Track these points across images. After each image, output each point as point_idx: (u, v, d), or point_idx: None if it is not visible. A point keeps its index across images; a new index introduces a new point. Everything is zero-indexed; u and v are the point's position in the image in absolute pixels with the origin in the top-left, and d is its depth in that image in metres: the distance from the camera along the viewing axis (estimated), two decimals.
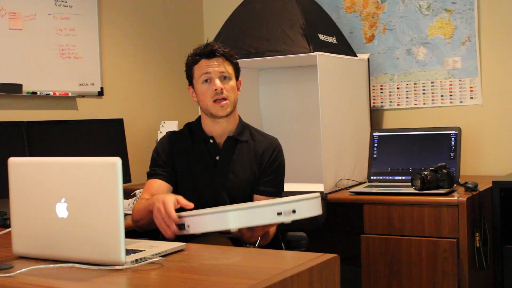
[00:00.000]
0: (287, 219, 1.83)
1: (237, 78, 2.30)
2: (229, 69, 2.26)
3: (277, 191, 2.30)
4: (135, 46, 3.73)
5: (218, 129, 2.29)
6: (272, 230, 2.15)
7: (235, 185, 2.26)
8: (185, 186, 2.30)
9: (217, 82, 2.21)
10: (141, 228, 2.20)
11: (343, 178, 3.16)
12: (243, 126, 2.35)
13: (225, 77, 2.24)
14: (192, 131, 2.33)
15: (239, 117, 2.37)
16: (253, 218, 1.83)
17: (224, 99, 2.22)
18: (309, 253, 1.69)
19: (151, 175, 2.28)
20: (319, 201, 1.94)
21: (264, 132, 2.43)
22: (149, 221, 2.08)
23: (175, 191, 2.25)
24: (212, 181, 2.26)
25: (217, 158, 2.28)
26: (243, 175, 2.27)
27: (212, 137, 2.29)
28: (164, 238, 2.24)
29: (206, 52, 2.25)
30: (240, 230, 1.94)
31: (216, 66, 2.23)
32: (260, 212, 1.83)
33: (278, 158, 2.32)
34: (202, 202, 2.09)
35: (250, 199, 2.26)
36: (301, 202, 1.86)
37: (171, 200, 1.92)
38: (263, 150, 2.30)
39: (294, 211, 1.83)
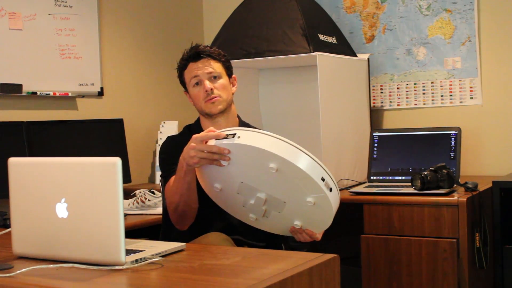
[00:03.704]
0: (323, 188, 1.79)
1: (229, 75, 2.29)
2: (217, 68, 2.24)
3: None
4: (135, 46, 3.74)
5: (218, 128, 2.28)
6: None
7: None
8: None
9: (207, 83, 2.21)
10: (182, 214, 2.10)
11: (343, 178, 3.16)
12: (244, 124, 2.35)
13: (214, 77, 2.23)
14: (193, 132, 2.32)
15: (239, 116, 2.37)
16: (303, 162, 1.76)
17: (214, 97, 2.22)
18: (309, 253, 1.69)
19: (167, 176, 2.21)
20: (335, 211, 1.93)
21: None
22: (188, 192, 2.02)
23: None
24: None
25: None
26: None
27: None
28: (164, 238, 2.24)
29: (192, 55, 2.25)
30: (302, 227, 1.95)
31: (204, 67, 2.23)
32: (315, 167, 1.78)
33: None
34: (208, 202, 2.08)
35: None
36: (338, 190, 1.85)
37: (203, 132, 1.92)
38: None
39: (331, 189, 1.81)
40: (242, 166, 1.88)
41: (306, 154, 1.80)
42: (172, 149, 2.27)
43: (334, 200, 1.85)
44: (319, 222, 1.96)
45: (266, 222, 2.02)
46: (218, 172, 1.92)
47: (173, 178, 2.12)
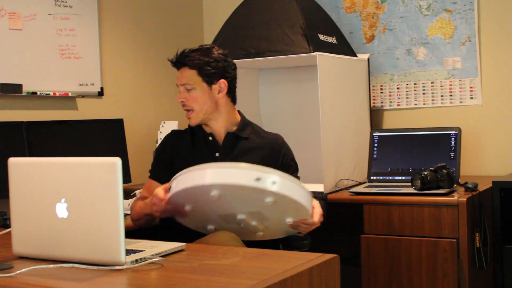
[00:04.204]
0: (265, 186, 1.84)
1: (209, 82, 2.25)
2: (191, 79, 2.24)
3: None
4: (135, 46, 3.73)
5: (211, 130, 2.30)
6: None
7: None
8: None
9: (180, 95, 2.26)
10: (140, 226, 2.28)
11: (343, 178, 3.16)
12: (245, 123, 2.35)
13: (188, 88, 2.24)
14: (193, 129, 2.34)
15: (242, 115, 2.37)
16: (231, 177, 1.85)
17: (188, 110, 2.26)
18: (309, 253, 1.70)
19: (151, 174, 2.34)
20: (305, 193, 1.97)
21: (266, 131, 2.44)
22: (147, 222, 2.21)
23: None
24: None
25: (217, 155, 2.28)
26: None
27: (211, 134, 2.30)
28: (163, 238, 2.25)
29: (172, 64, 2.30)
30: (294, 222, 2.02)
31: (180, 78, 2.26)
32: (239, 173, 1.85)
33: (287, 153, 2.36)
34: None
35: None
36: (283, 178, 1.88)
37: (159, 189, 2.03)
38: (271, 150, 2.31)
39: (274, 182, 1.85)
40: (203, 204, 1.96)
41: (230, 168, 1.87)
42: (166, 149, 2.35)
43: (285, 188, 1.87)
44: (300, 210, 1.99)
45: (270, 232, 2.09)
46: (197, 216, 2.00)
47: (149, 182, 2.28)
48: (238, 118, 2.35)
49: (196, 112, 2.25)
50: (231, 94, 2.32)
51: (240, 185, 1.84)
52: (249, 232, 2.07)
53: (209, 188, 1.86)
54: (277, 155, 2.32)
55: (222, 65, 2.27)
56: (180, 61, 2.26)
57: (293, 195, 1.91)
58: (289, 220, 2.02)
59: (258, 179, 1.83)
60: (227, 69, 2.29)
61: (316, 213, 2.09)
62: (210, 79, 2.25)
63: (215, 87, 2.26)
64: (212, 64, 2.25)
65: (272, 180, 1.85)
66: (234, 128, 2.32)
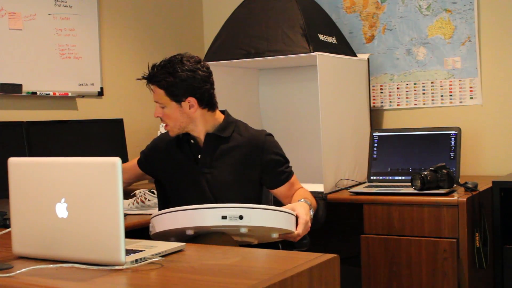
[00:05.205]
0: (233, 223, 1.91)
1: (178, 101, 2.22)
2: (160, 98, 2.23)
3: (287, 176, 2.33)
4: (135, 46, 3.73)
5: (192, 134, 2.31)
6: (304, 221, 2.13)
7: (218, 181, 2.26)
8: (172, 187, 2.33)
9: (155, 111, 2.28)
10: None
11: (343, 178, 3.16)
12: (228, 123, 2.33)
13: (161, 106, 2.26)
14: (179, 135, 2.35)
15: (226, 115, 2.34)
16: (198, 220, 1.92)
17: (165, 124, 2.29)
18: (309, 253, 1.69)
19: (140, 158, 2.51)
20: (280, 214, 2.02)
21: (255, 128, 2.41)
22: None
23: (164, 192, 2.43)
24: (195, 180, 2.27)
25: (199, 156, 2.28)
26: (227, 171, 2.27)
27: (193, 137, 2.30)
28: (157, 237, 2.26)
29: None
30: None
31: (154, 95, 2.27)
32: (204, 214, 1.92)
33: (271, 149, 2.32)
34: (188, 202, 2.08)
35: (240, 195, 2.24)
36: (251, 210, 1.94)
37: None
38: (253, 148, 2.29)
39: (241, 217, 1.91)
40: (184, 233, 2.01)
41: (197, 209, 1.93)
42: (151, 150, 2.45)
43: (254, 219, 1.94)
44: (280, 230, 2.05)
45: (262, 240, 2.16)
46: (173, 230, 2.02)
47: (135, 162, 2.48)
48: (220, 119, 2.32)
49: (171, 126, 2.28)
50: (205, 105, 2.27)
51: (209, 226, 1.93)
52: (242, 242, 2.13)
53: (183, 229, 1.95)
54: (260, 151, 2.28)
55: (188, 83, 2.21)
56: (149, 80, 2.26)
57: (265, 223, 1.97)
58: (275, 235, 2.08)
59: (224, 217, 1.90)
60: (194, 85, 2.22)
61: (301, 223, 2.09)
62: (178, 98, 2.23)
63: (184, 104, 2.23)
64: (177, 85, 2.21)
65: (239, 214, 1.91)
66: (215, 128, 2.30)
